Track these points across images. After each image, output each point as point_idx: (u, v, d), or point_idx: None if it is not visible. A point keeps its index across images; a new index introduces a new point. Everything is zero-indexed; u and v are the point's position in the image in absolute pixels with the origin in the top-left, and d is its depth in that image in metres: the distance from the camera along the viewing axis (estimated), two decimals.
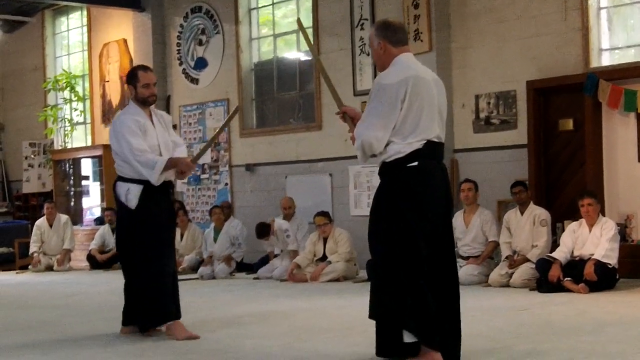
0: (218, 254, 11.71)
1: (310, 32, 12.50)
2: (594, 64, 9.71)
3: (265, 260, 11.52)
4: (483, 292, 8.69)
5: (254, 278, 11.18)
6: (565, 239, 8.65)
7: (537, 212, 9.20)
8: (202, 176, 14.01)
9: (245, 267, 11.95)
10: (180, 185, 13.99)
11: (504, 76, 10.40)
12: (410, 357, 4.70)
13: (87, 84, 16.34)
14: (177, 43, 14.39)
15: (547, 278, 8.35)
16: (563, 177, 10.01)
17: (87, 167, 16.11)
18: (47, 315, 7.91)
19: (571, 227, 8.72)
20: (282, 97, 13.20)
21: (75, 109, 16.23)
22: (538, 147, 10.05)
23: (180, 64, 14.34)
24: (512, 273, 9.01)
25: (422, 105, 4.74)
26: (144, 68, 6.58)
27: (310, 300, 8.46)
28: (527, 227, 9.18)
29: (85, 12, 16.33)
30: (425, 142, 4.75)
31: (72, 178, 16.10)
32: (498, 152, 10.46)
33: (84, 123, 16.51)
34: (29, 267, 13.94)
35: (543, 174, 10.08)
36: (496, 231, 9.52)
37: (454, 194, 10.28)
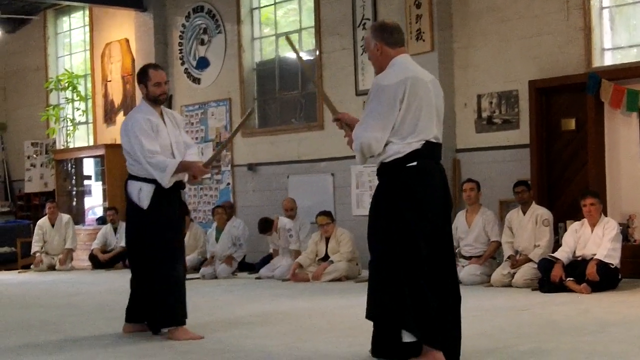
0: (220, 254, 11.71)
1: (312, 31, 12.51)
2: (596, 63, 9.70)
3: (267, 259, 11.52)
4: (485, 292, 8.69)
5: (256, 278, 11.19)
6: (568, 239, 8.64)
7: (540, 212, 9.19)
8: (204, 176, 13.98)
9: (247, 267, 11.95)
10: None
11: (506, 76, 10.39)
12: (410, 357, 4.69)
13: (89, 84, 16.35)
14: (179, 43, 14.39)
15: (549, 278, 8.34)
16: (565, 177, 10.00)
17: (89, 166, 16.11)
18: (48, 315, 7.91)
19: (573, 227, 8.71)
20: (284, 96, 13.19)
21: (77, 109, 16.24)
22: (540, 147, 10.04)
23: (182, 63, 14.34)
24: (514, 273, 9.00)
25: (421, 105, 4.75)
26: (154, 66, 6.51)
27: (312, 300, 8.46)
28: (529, 227, 9.17)
29: (87, 12, 16.34)
30: (424, 142, 4.77)
31: (74, 178, 16.10)
32: (500, 152, 10.45)
33: (86, 123, 16.51)
34: (31, 266, 13.95)
35: (545, 173, 10.06)
36: (498, 231, 9.51)
37: (456, 194, 10.29)
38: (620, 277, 8.42)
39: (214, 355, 5.46)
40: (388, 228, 4.72)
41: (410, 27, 10.74)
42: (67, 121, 16.35)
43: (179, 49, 14.39)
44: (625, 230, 9.21)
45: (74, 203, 16.10)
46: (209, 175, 13.59)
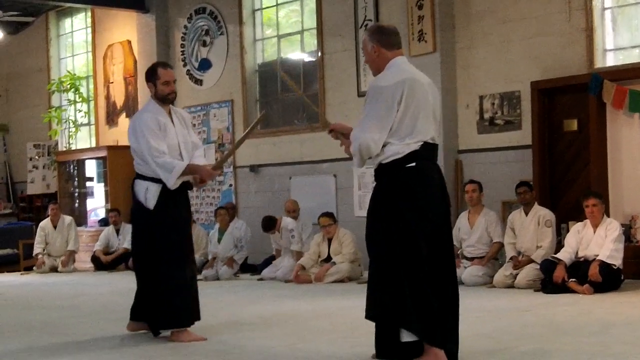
0: (222, 255, 11.71)
1: (314, 33, 12.51)
2: (598, 64, 9.69)
3: (269, 261, 11.53)
4: (487, 293, 8.68)
5: (258, 279, 11.19)
6: (570, 239, 8.63)
7: (542, 213, 9.19)
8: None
9: (250, 269, 11.95)
10: None
11: (508, 77, 10.39)
12: (412, 357, 4.69)
13: (91, 85, 16.37)
14: (181, 44, 14.40)
15: (552, 279, 8.33)
16: (567, 178, 9.99)
17: (91, 168, 16.11)
18: (51, 316, 7.92)
19: (576, 228, 8.70)
20: (286, 97, 13.19)
21: (80, 110, 16.26)
22: (542, 148, 10.03)
23: (184, 65, 14.35)
24: (517, 274, 8.99)
25: (419, 107, 4.79)
26: (163, 65, 6.45)
27: (314, 301, 8.46)
28: (531, 228, 9.17)
29: (89, 14, 16.36)
30: (422, 143, 4.80)
31: (76, 179, 16.10)
32: (502, 153, 10.45)
33: (88, 124, 16.53)
34: (34, 268, 13.95)
35: (547, 174, 10.06)
36: (501, 232, 9.50)
37: (458, 195, 10.29)
38: (622, 278, 8.41)
39: (217, 357, 5.47)
40: (388, 228, 4.74)
41: (412, 28, 10.74)
42: (69, 123, 16.37)
43: (181, 51, 14.40)
44: (627, 231, 9.20)
45: (76, 205, 16.10)
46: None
